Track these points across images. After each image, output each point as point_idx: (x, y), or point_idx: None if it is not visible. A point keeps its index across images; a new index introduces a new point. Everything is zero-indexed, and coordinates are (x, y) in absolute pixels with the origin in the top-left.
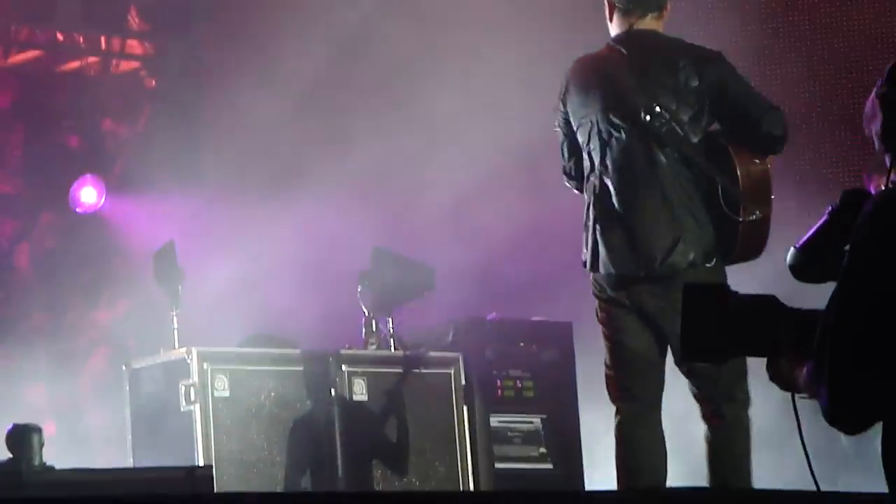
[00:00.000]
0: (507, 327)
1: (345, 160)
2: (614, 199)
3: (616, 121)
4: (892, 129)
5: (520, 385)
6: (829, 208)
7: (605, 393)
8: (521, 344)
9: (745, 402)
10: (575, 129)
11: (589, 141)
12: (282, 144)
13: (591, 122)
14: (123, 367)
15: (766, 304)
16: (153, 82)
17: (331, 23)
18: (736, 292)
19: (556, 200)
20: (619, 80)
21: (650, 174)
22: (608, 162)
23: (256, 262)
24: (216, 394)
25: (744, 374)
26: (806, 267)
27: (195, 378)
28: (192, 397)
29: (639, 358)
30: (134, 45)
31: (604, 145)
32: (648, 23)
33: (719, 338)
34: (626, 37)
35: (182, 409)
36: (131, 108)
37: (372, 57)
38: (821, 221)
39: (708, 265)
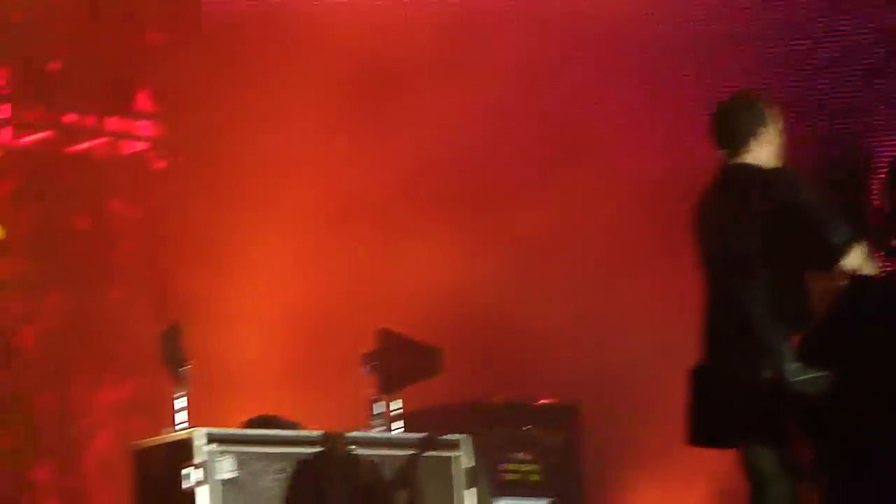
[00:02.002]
0: (513, 410)
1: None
2: None
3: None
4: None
5: (525, 468)
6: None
7: (612, 475)
8: (527, 427)
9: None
10: None
11: None
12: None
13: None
14: (130, 448)
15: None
16: (161, 163)
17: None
18: None
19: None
20: (708, 218)
21: None
22: None
23: (262, 341)
24: (222, 475)
25: None
26: None
27: (201, 458)
28: (198, 478)
29: None
30: (142, 126)
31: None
32: (742, 157)
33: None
34: (721, 173)
35: (188, 490)
36: (139, 190)
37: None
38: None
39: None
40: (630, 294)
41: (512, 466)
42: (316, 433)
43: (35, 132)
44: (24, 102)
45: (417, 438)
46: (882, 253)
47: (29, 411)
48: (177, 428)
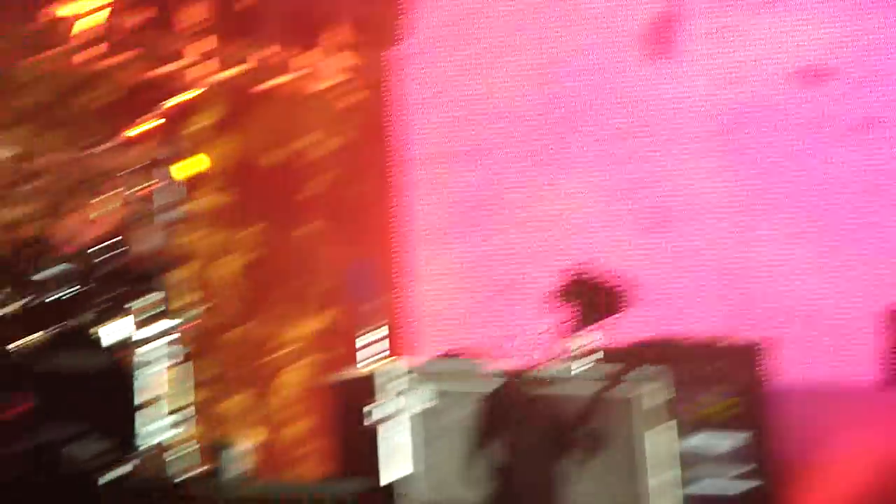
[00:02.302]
0: (708, 345)
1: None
2: None
3: None
4: None
5: (719, 404)
6: None
7: (807, 413)
8: (721, 362)
9: None
10: None
11: None
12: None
13: None
14: (325, 379)
15: None
16: (356, 98)
17: None
18: None
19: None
20: None
21: None
22: None
23: (455, 276)
24: (417, 407)
25: None
26: None
27: (396, 391)
28: (393, 410)
29: None
30: (338, 60)
31: None
32: None
33: None
34: None
35: (383, 421)
36: (333, 124)
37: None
38: None
39: None
40: (827, 233)
41: (706, 402)
42: (507, 367)
43: (235, 66)
44: (225, 36)
45: (610, 373)
46: None
47: (227, 341)
48: (372, 360)
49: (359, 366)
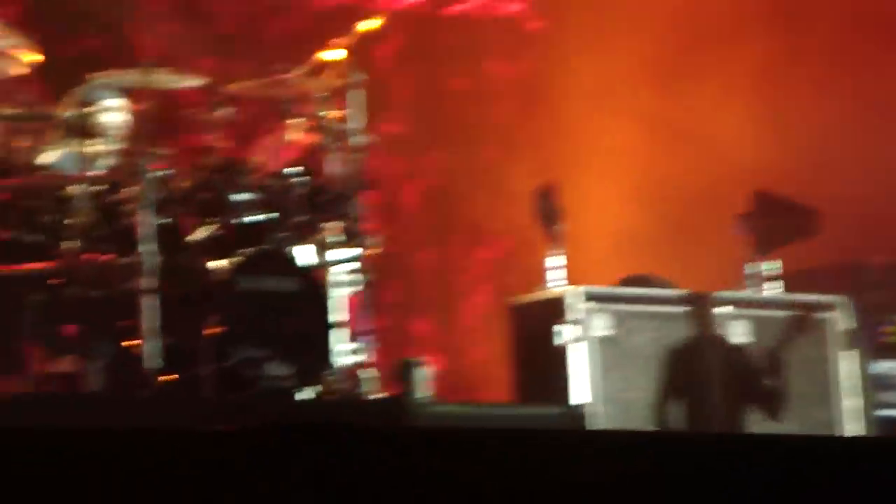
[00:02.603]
0: (893, 271)
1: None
2: None
3: None
4: None
5: None
6: None
7: None
8: None
9: None
10: None
11: None
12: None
13: None
14: (506, 305)
15: None
16: (538, 23)
17: None
18: None
19: None
20: None
21: None
22: None
23: (638, 200)
24: (598, 333)
25: None
26: None
27: (577, 317)
28: (574, 336)
29: None
30: None
31: None
32: None
33: None
34: None
35: (563, 347)
36: (516, 50)
37: None
38: None
39: None
40: None
41: (892, 329)
42: (690, 292)
43: None
44: None
45: (793, 300)
46: None
47: (410, 267)
48: (552, 285)
49: (541, 290)
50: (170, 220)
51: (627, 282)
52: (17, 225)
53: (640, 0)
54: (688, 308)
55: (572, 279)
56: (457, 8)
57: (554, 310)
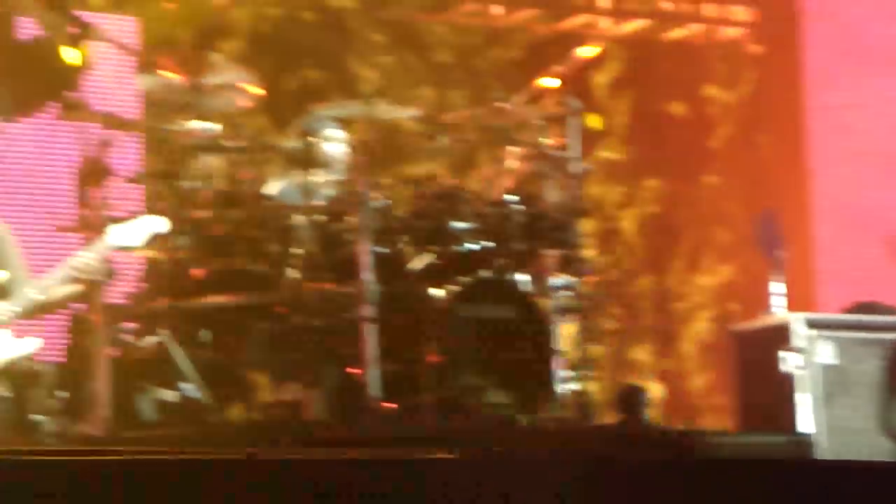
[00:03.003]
0: None
1: None
2: None
3: None
4: None
5: None
6: None
7: None
8: None
9: None
10: None
11: None
12: None
13: None
14: (726, 331)
15: None
16: (757, 48)
17: None
18: None
19: None
20: None
21: None
22: None
23: (858, 228)
24: (822, 360)
25: None
26: None
27: (801, 344)
28: (797, 363)
29: None
30: (738, 12)
31: None
32: None
33: None
34: None
35: (788, 374)
36: (735, 75)
37: None
38: None
39: None
40: None
41: None
42: None
43: (632, 20)
44: None
45: None
46: None
47: (629, 294)
48: (775, 312)
49: (763, 317)
50: (390, 248)
51: (854, 309)
52: (242, 255)
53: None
54: None
55: (794, 306)
56: (676, 33)
57: (777, 337)
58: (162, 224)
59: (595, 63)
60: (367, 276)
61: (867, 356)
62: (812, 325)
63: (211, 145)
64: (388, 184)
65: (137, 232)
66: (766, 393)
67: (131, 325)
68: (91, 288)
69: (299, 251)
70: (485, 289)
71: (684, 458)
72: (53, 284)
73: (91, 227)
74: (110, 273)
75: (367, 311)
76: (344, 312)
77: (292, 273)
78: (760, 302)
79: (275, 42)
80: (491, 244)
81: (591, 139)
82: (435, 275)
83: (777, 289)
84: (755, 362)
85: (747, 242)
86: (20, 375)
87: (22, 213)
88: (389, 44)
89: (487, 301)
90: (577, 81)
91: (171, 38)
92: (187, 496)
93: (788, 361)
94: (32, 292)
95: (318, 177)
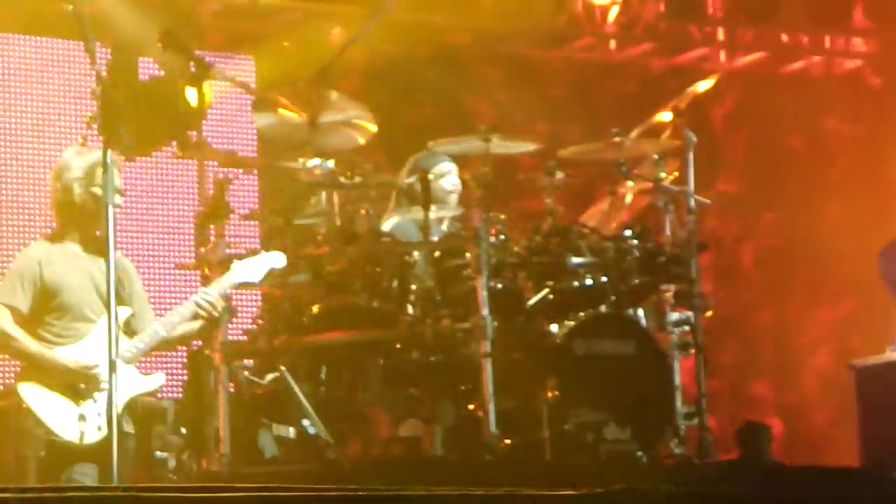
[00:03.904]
0: None
1: None
2: None
3: None
4: None
5: None
6: None
7: None
8: None
9: None
10: None
11: None
12: None
13: None
14: (848, 366)
15: None
16: (877, 81)
17: None
18: None
19: None
20: None
21: None
22: None
23: None
24: None
25: None
26: None
27: None
28: None
29: None
30: (857, 44)
31: None
32: None
33: None
34: None
35: None
36: (854, 108)
37: None
38: None
39: None
40: None
41: None
42: None
43: (749, 53)
44: (739, 24)
45: None
46: None
47: (747, 328)
48: None
49: (888, 351)
50: (507, 284)
51: None
52: (361, 291)
53: None
54: None
55: None
56: (794, 66)
57: None
58: (280, 260)
59: (712, 96)
60: (485, 311)
61: None
62: None
63: (327, 182)
64: (506, 219)
65: (257, 269)
66: (890, 428)
67: (250, 362)
68: (212, 325)
69: (416, 287)
70: (602, 324)
71: (805, 496)
72: (177, 321)
73: (211, 264)
74: (231, 310)
75: (485, 346)
76: (461, 348)
77: (410, 309)
78: (883, 336)
79: (391, 78)
80: (608, 279)
81: (708, 172)
82: (552, 310)
83: None
84: (881, 397)
85: (869, 276)
86: (145, 412)
87: (145, 251)
88: (505, 79)
89: (605, 336)
90: (695, 115)
91: (288, 75)
92: None
93: None
94: (156, 329)
95: (436, 212)
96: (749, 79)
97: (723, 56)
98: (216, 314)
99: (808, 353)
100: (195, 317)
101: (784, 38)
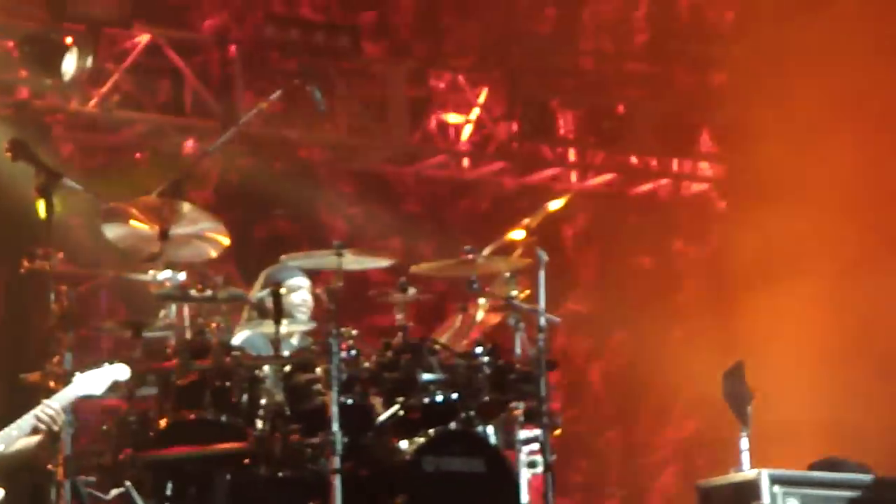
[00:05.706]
0: None
1: None
2: None
3: None
4: None
5: None
6: None
7: None
8: None
9: None
10: None
11: None
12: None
13: None
14: (694, 486)
15: None
16: (722, 204)
17: None
18: None
19: None
20: None
21: None
22: None
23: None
24: None
25: None
26: None
27: (766, 500)
28: None
29: None
30: (704, 167)
31: None
32: None
33: None
34: None
35: None
36: (700, 230)
37: None
38: None
39: None
40: None
41: None
42: (885, 478)
43: (600, 174)
44: (589, 145)
45: None
46: None
47: (596, 447)
48: (742, 467)
49: (731, 472)
50: (358, 399)
51: (818, 465)
52: (210, 405)
53: (827, 180)
54: (882, 495)
55: (762, 461)
56: (643, 188)
57: (744, 493)
58: (125, 373)
59: (563, 215)
60: (335, 427)
61: None
62: (774, 481)
63: (178, 295)
64: (357, 334)
65: (99, 381)
66: None
67: (93, 478)
68: (52, 438)
69: (266, 401)
70: (452, 441)
71: None
72: (16, 435)
73: (56, 376)
74: (74, 423)
75: (335, 462)
76: (311, 464)
77: (259, 424)
78: (727, 457)
79: (244, 191)
80: (459, 396)
81: (559, 291)
82: (403, 426)
83: (745, 444)
84: None
85: (714, 397)
86: None
87: None
88: (359, 194)
89: (455, 454)
90: (546, 234)
91: (140, 187)
92: None
93: None
94: None
95: (287, 327)
96: (599, 199)
97: (574, 176)
98: (56, 428)
99: (656, 473)
100: (35, 430)
101: (633, 160)
